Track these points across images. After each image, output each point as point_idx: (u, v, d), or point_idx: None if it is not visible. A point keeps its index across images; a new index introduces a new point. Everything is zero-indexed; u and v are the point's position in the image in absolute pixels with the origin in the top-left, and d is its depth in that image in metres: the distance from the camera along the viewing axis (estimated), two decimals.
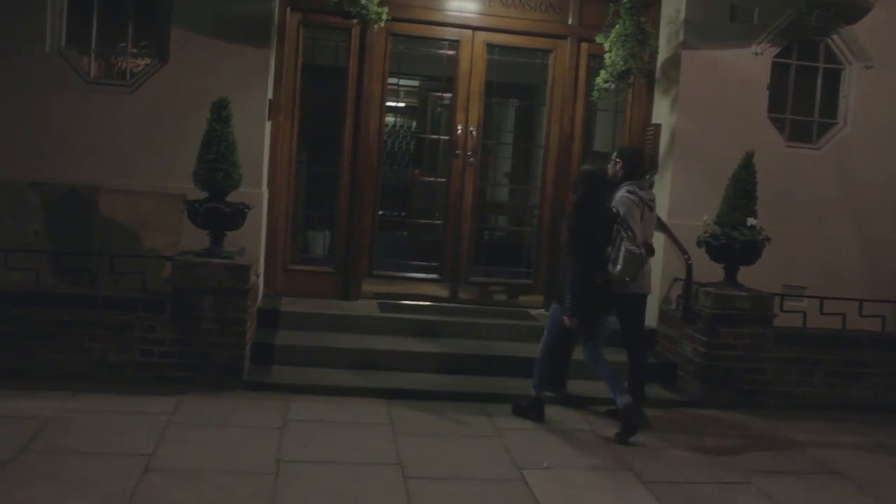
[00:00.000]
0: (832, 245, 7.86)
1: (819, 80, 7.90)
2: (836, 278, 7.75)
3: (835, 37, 7.78)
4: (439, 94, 10.49)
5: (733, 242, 6.73)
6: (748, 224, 6.71)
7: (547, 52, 7.97)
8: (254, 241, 7.04)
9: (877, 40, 7.78)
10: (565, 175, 7.83)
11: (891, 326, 7.48)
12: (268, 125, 7.21)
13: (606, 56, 7.24)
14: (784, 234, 7.25)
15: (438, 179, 8.51)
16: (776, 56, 7.71)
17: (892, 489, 5.32)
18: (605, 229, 5.78)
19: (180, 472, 4.62)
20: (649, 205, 6.08)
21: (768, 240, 6.78)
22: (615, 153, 6.28)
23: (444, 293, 7.92)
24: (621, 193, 5.96)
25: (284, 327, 6.98)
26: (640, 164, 6.26)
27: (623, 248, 5.69)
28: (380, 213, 8.14)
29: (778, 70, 7.76)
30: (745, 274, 6.93)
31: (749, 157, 6.77)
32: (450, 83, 8.03)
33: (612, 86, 7.36)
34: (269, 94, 7.20)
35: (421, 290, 7.97)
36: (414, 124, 12.12)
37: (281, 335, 6.83)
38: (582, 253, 5.72)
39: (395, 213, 9.43)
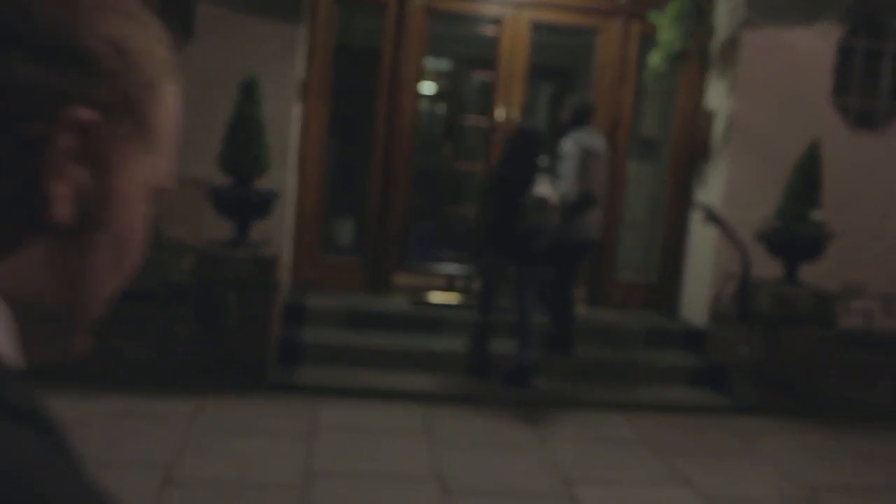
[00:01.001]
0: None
1: (887, 63, 7.36)
2: None
3: None
4: (479, 76, 10.05)
5: (795, 237, 6.25)
6: (812, 218, 6.23)
7: (595, 31, 7.48)
8: (280, 230, 6.64)
9: None
10: (612, 163, 7.34)
11: None
12: (297, 107, 6.79)
13: (661, 34, 6.74)
14: (846, 228, 6.76)
15: (476, 167, 8.06)
16: (843, 37, 7.17)
17: None
18: (525, 179, 5.84)
19: (203, 484, 4.24)
20: (595, 153, 6.19)
21: (832, 235, 6.30)
22: (568, 100, 6.47)
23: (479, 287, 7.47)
24: (565, 141, 6.17)
25: (312, 323, 6.57)
26: (588, 116, 6.37)
27: (545, 194, 5.83)
28: (414, 201, 7.73)
29: (843, 51, 7.23)
30: (804, 270, 6.46)
31: (814, 146, 6.28)
32: (490, 65, 7.57)
33: (666, 67, 6.87)
34: (301, 75, 6.78)
35: (456, 284, 7.53)
36: (452, 108, 11.64)
37: (308, 332, 6.42)
38: (491, 202, 5.98)
39: (431, 202, 9.01)
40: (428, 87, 12.10)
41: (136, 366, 5.65)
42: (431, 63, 11.25)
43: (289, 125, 6.66)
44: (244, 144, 5.56)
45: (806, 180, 6.26)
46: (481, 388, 6.03)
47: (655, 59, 6.78)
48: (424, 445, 5.04)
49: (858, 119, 7.33)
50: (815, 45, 7.02)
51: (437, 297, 7.28)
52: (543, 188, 5.86)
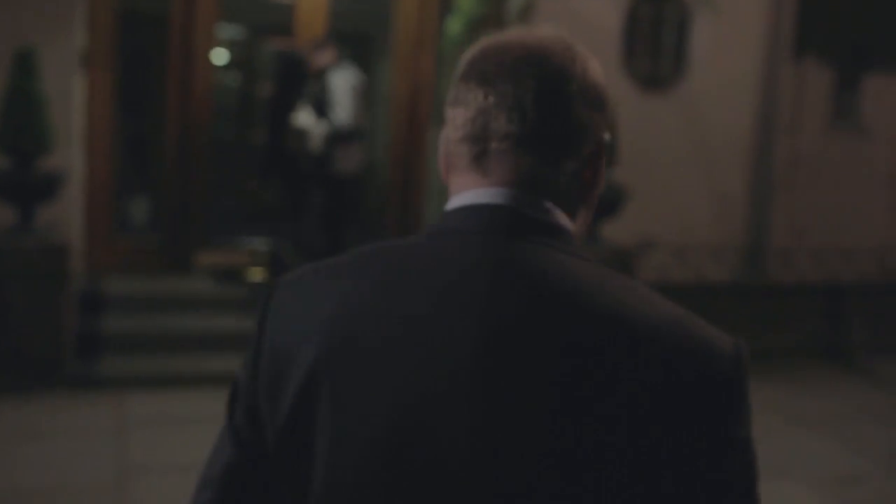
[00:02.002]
0: (684, 195, 7.79)
1: (671, 29, 7.76)
2: (688, 228, 7.71)
3: None
4: (277, 45, 9.71)
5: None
6: (609, 176, 6.48)
7: None
8: (70, 213, 6.15)
9: None
10: (413, 130, 7.33)
11: (741, 274, 7.54)
12: (80, 79, 6.28)
13: (459, 1, 6.75)
14: (640, 185, 7.09)
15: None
16: (630, 3, 7.48)
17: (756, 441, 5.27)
18: (285, 102, 6.32)
19: (5, 497, 3.86)
20: (362, 88, 6.43)
21: (629, 192, 6.59)
22: (324, 40, 6.48)
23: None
24: (342, 73, 6.31)
25: (112, 311, 6.14)
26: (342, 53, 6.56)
27: (304, 125, 6.21)
28: (212, 176, 7.38)
29: (632, 18, 7.54)
30: (605, 227, 6.74)
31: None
32: (287, 32, 7.32)
33: (466, 33, 6.88)
34: (82, 43, 6.26)
35: (262, 259, 7.29)
36: (247, 78, 11.19)
37: (108, 320, 6.00)
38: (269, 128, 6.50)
39: (228, 176, 8.65)
40: (230, 56, 11.61)
41: None
42: (233, 31, 10.77)
43: (71, 99, 6.15)
44: (22, 122, 5.07)
45: None
46: None
47: (453, 25, 6.79)
48: None
49: (647, 81, 7.70)
50: (605, 12, 7.28)
51: (244, 274, 7.02)
52: (304, 118, 6.19)
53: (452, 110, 1.05)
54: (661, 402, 0.89)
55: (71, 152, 6.15)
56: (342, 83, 6.31)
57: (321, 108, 6.36)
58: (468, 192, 1.02)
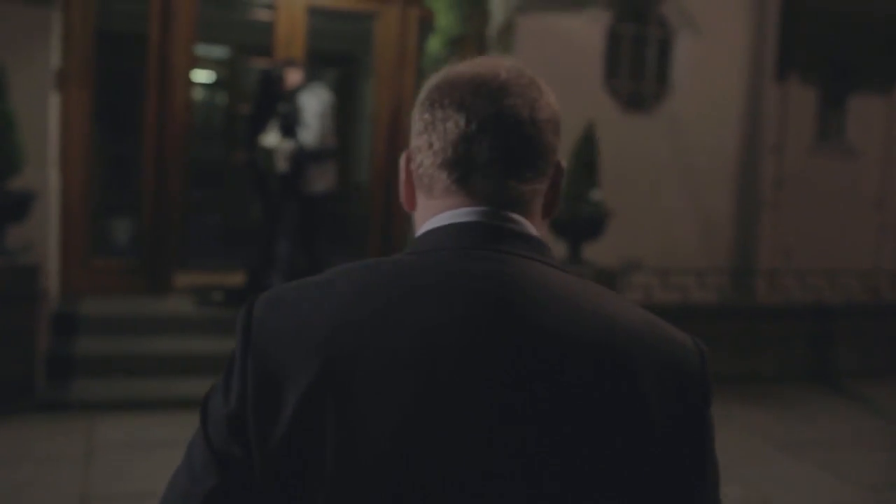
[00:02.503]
0: (668, 216, 7.74)
1: (653, 48, 7.73)
2: (673, 250, 7.65)
3: (666, 4, 7.60)
4: (256, 64, 9.66)
5: (576, 217, 6.42)
6: (592, 197, 6.43)
7: (373, 16, 7.35)
8: (44, 233, 6.05)
9: (705, 8, 7.67)
10: (394, 148, 7.26)
11: (728, 296, 7.46)
12: (55, 98, 6.20)
13: (440, 19, 6.70)
14: (623, 206, 7.04)
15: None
16: (612, 23, 7.45)
17: (741, 467, 5.18)
18: (257, 118, 6.41)
19: None
20: (329, 107, 6.44)
21: (611, 213, 6.54)
22: (292, 60, 6.53)
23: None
24: (311, 92, 6.32)
25: (86, 333, 6.03)
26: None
27: (271, 145, 6.29)
28: (194, 196, 7.31)
29: (613, 38, 7.51)
30: (587, 249, 6.67)
31: (590, 128, 6.48)
32: (267, 51, 7.27)
33: (445, 53, 6.84)
34: (56, 63, 6.18)
35: (241, 280, 7.18)
36: (231, 97, 11.14)
37: (81, 343, 5.89)
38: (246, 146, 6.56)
39: (209, 197, 8.58)
40: (205, 76, 11.56)
41: None
42: (209, 51, 10.74)
43: (46, 118, 6.06)
44: None
45: (583, 162, 6.44)
46: None
47: (434, 44, 6.74)
48: None
49: (629, 102, 7.66)
50: (586, 31, 7.24)
51: (223, 295, 6.91)
52: (270, 137, 6.30)
53: (426, 136, 1.09)
54: (656, 393, 1.00)
55: (46, 172, 6.06)
56: (311, 103, 6.30)
57: (290, 127, 6.34)
58: (451, 211, 1.07)
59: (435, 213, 1.08)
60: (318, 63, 7.04)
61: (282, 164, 6.30)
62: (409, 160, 1.12)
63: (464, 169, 1.07)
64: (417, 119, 1.11)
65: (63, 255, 6.50)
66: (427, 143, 1.09)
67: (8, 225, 5.27)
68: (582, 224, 6.46)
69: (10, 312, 5.12)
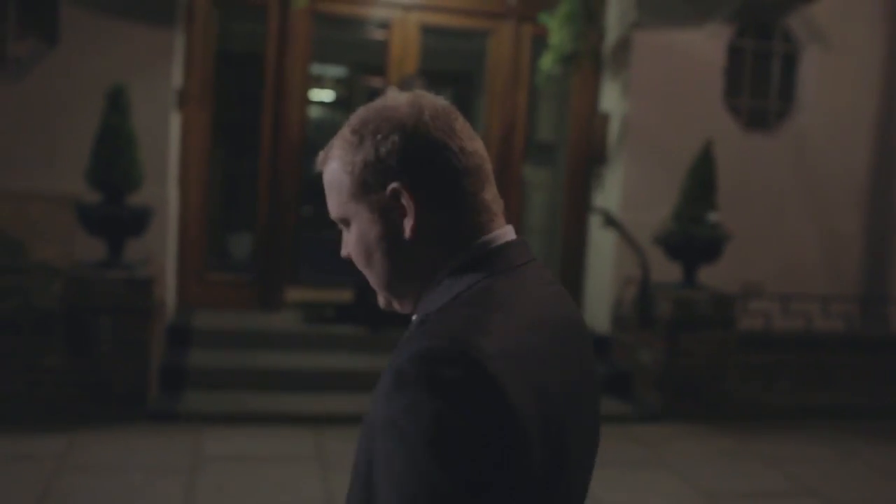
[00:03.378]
0: (791, 239, 7.37)
1: (777, 64, 7.40)
2: (796, 274, 7.28)
3: (792, 17, 7.27)
4: (369, 83, 9.78)
5: (693, 239, 6.19)
6: (709, 219, 6.18)
7: (486, 33, 7.30)
8: (162, 247, 6.24)
9: (835, 21, 7.30)
10: (507, 168, 7.18)
11: (856, 325, 7.03)
12: (176, 117, 6.40)
13: (552, 37, 6.60)
14: (742, 229, 6.75)
15: None
16: (732, 38, 7.17)
17: None
18: None
19: None
20: None
21: (730, 236, 6.26)
22: (412, 78, 6.38)
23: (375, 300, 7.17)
24: None
25: (198, 346, 6.18)
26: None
27: None
28: (308, 213, 7.41)
29: (734, 53, 7.23)
30: (702, 272, 6.42)
31: (708, 146, 6.24)
32: (380, 70, 7.32)
33: (558, 70, 6.73)
34: (178, 83, 6.38)
35: (351, 297, 7.23)
36: (342, 116, 11.32)
37: (194, 355, 6.03)
38: None
39: (322, 214, 8.72)
40: (324, 95, 11.80)
41: (2, 401, 5.18)
42: (325, 70, 10.96)
43: (167, 136, 6.26)
44: (112, 158, 5.16)
45: (701, 182, 6.20)
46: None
47: (547, 61, 6.63)
48: (316, 472, 4.74)
49: (750, 119, 7.35)
50: (705, 46, 6.99)
51: (334, 311, 6.96)
52: None
53: (468, 160, 1.19)
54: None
55: (166, 189, 6.25)
56: None
57: None
58: (502, 229, 1.22)
59: (491, 229, 1.21)
60: (432, 82, 7.03)
61: None
62: None
63: (494, 191, 1.27)
64: (450, 146, 1.18)
65: (180, 269, 6.69)
66: (475, 166, 1.24)
67: (127, 239, 5.44)
68: (698, 246, 6.22)
69: (127, 323, 5.27)
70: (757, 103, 7.38)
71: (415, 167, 1.15)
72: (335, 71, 10.24)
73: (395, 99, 1.20)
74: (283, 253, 6.96)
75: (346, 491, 1.19)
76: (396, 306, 1.26)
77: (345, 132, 1.19)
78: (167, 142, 6.25)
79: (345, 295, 7.01)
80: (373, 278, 1.22)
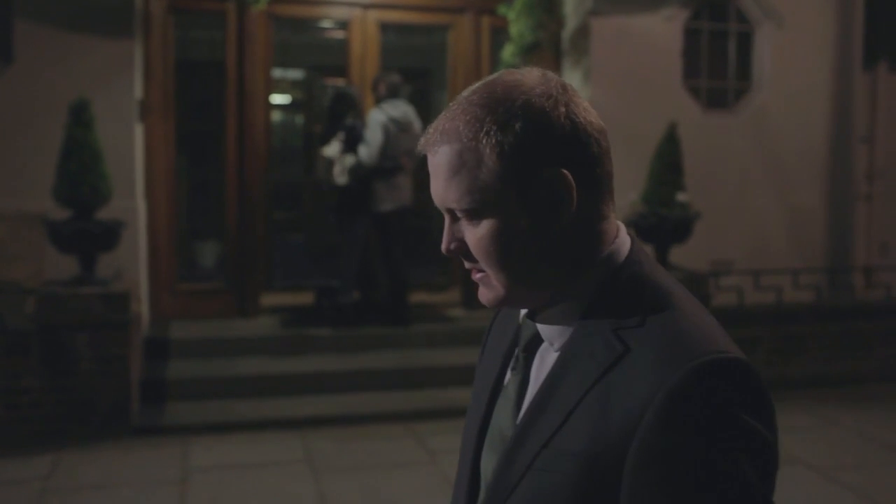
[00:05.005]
0: (757, 215, 7.49)
1: (733, 44, 7.50)
2: (764, 249, 7.40)
3: None
4: (331, 83, 9.74)
5: (664, 221, 6.26)
6: (678, 200, 6.26)
7: (445, 28, 7.32)
8: (133, 261, 6.17)
9: None
10: None
11: (825, 295, 7.16)
12: (139, 129, 6.33)
13: (512, 27, 6.63)
14: (709, 207, 6.84)
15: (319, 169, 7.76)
16: (688, 20, 7.26)
17: (853, 473, 4.94)
18: (326, 136, 6.51)
19: None
20: (403, 123, 6.33)
21: (699, 215, 6.35)
22: (380, 76, 6.55)
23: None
24: (373, 111, 6.38)
25: (177, 357, 6.13)
26: (399, 89, 6.49)
27: (331, 155, 6.36)
28: (278, 217, 7.37)
29: (691, 35, 7.32)
30: (674, 252, 6.50)
31: (672, 128, 6.31)
32: (342, 71, 7.30)
33: (519, 61, 6.77)
34: (139, 94, 6.32)
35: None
36: (308, 118, 11.24)
37: (173, 367, 5.99)
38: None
39: (292, 217, 8.66)
40: (283, 98, 11.71)
41: None
42: (285, 73, 10.88)
43: (132, 148, 6.19)
44: (78, 173, 5.10)
45: (668, 164, 6.28)
46: (359, 408, 5.75)
47: (508, 52, 6.67)
48: (307, 475, 4.73)
49: (710, 100, 7.45)
50: (662, 30, 7.08)
51: (310, 314, 6.95)
52: (331, 149, 6.34)
53: (605, 140, 1.12)
54: None
55: (135, 201, 6.19)
56: (373, 119, 6.27)
57: (353, 143, 6.33)
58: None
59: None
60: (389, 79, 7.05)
61: (339, 178, 6.30)
62: None
63: None
64: (597, 137, 1.10)
65: (152, 281, 6.63)
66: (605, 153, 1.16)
67: (99, 254, 5.38)
68: (669, 227, 6.29)
69: (104, 339, 5.22)
70: (716, 84, 7.48)
71: (570, 149, 1.06)
72: (297, 74, 10.17)
73: (523, 74, 1.08)
74: (255, 259, 6.92)
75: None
76: (514, 305, 1.14)
77: (473, 110, 1.05)
78: (133, 154, 6.19)
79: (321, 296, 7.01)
80: (504, 275, 1.08)
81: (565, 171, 1.05)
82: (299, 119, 11.64)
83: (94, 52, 6.05)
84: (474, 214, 1.07)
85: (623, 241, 1.13)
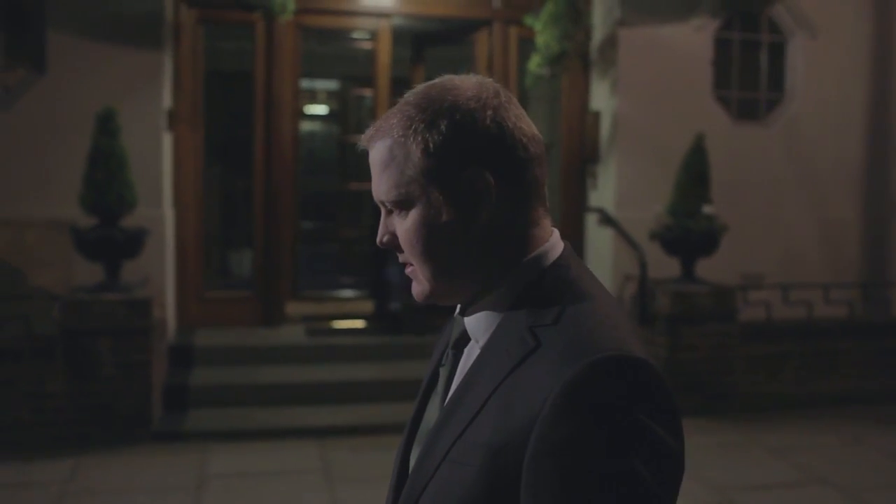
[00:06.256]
0: (788, 228, 7.36)
1: (765, 54, 7.40)
2: (795, 263, 7.27)
3: (778, 6, 7.27)
4: (360, 93, 9.80)
5: (689, 233, 6.18)
6: (704, 212, 6.18)
7: (472, 39, 7.32)
8: (160, 268, 6.25)
9: (820, 8, 7.30)
10: None
11: (858, 311, 7.01)
12: (168, 137, 6.42)
13: (538, 38, 6.61)
14: (738, 220, 6.75)
15: (365, 186, 7.80)
16: (719, 30, 7.18)
17: (879, 494, 4.82)
18: None
19: None
20: None
21: (726, 228, 6.26)
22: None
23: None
24: None
25: (200, 364, 6.19)
26: None
27: None
28: (307, 226, 7.43)
29: (721, 45, 7.23)
30: (701, 266, 6.41)
31: (700, 139, 6.24)
32: (369, 81, 7.34)
33: (546, 71, 6.74)
34: (168, 103, 6.41)
35: (353, 308, 7.25)
36: (342, 128, 11.33)
37: (196, 374, 6.04)
38: None
39: (321, 227, 8.73)
40: (317, 108, 11.83)
41: (5, 430, 5.19)
42: (319, 83, 10.98)
43: (160, 157, 6.28)
44: (104, 181, 5.18)
45: (694, 175, 6.21)
46: (377, 417, 5.75)
47: (535, 63, 6.65)
48: (322, 484, 4.74)
49: (740, 111, 7.35)
50: (692, 40, 7.00)
51: (336, 323, 6.98)
52: None
53: (536, 147, 1.14)
54: None
55: (162, 209, 6.27)
56: None
57: None
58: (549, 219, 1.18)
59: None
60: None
61: None
62: None
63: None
64: (523, 139, 1.14)
65: (179, 288, 6.70)
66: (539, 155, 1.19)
67: (123, 261, 5.45)
68: (695, 240, 6.21)
69: (127, 344, 5.28)
70: (746, 94, 7.38)
71: (493, 151, 1.09)
72: (327, 84, 10.26)
73: (461, 80, 1.13)
74: (282, 268, 6.97)
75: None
76: (439, 299, 1.16)
77: (406, 109, 1.11)
78: (160, 163, 6.27)
79: (346, 307, 7.03)
80: (427, 267, 1.13)
81: (486, 172, 1.09)
82: (335, 129, 11.74)
83: (124, 63, 6.15)
84: (401, 206, 1.12)
85: (553, 245, 1.15)
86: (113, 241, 5.28)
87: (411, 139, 1.10)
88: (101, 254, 5.35)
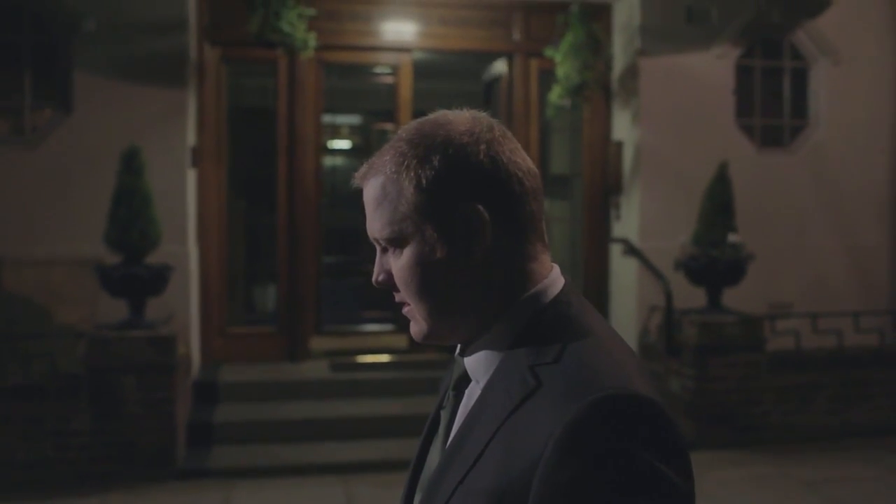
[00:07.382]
0: (815, 256, 7.27)
1: (788, 80, 7.36)
2: (823, 291, 7.16)
3: (799, 32, 7.24)
4: (382, 128, 9.86)
5: (715, 262, 6.12)
6: (729, 241, 6.11)
7: (493, 70, 7.34)
8: (184, 305, 6.27)
9: (843, 34, 7.26)
10: None
11: (889, 339, 6.88)
12: (191, 174, 6.47)
13: (559, 69, 6.62)
14: (764, 248, 6.67)
15: None
16: (740, 57, 7.15)
17: None
18: None
19: None
20: None
21: (752, 256, 6.19)
22: None
23: (403, 344, 7.16)
24: None
25: (225, 401, 6.18)
26: None
27: None
28: (331, 261, 7.43)
29: (743, 72, 7.21)
30: (727, 295, 6.33)
31: (723, 168, 6.20)
32: (391, 116, 7.37)
33: (568, 102, 6.74)
34: (192, 140, 6.47)
35: (377, 342, 7.22)
36: (359, 162, 11.40)
37: (221, 410, 6.03)
38: None
39: (345, 262, 8.74)
40: (340, 143, 11.91)
41: (30, 468, 5.19)
42: (342, 119, 11.07)
43: (184, 194, 6.33)
44: (128, 218, 5.22)
45: (718, 204, 6.16)
46: (403, 453, 5.69)
47: (555, 94, 6.65)
48: None
49: (764, 138, 7.31)
50: (713, 68, 6.98)
51: (361, 358, 6.96)
52: None
53: (532, 181, 1.13)
54: None
55: (186, 246, 6.31)
56: None
57: None
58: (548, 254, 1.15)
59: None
60: None
61: None
62: None
63: None
64: (517, 175, 1.12)
65: (203, 324, 6.71)
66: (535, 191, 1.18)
67: (147, 298, 5.47)
68: (720, 269, 6.15)
69: (151, 381, 5.29)
70: (770, 122, 7.33)
71: (487, 186, 1.07)
72: (349, 119, 10.33)
73: (454, 115, 1.12)
74: (305, 302, 6.97)
75: None
76: (438, 339, 1.13)
77: (399, 145, 1.10)
78: (185, 199, 6.32)
79: (369, 341, 7.01)
80: (424, 306, 1.10)
81: (480, 207, 1.07)
82: (358, 163, 11.80)
83: (149, 101, 6.22)
84: (396, 244, 1.10)
85: (553, 281, 1.12)
86: (138, 279, 5.31)
87: (404, 175, 1.08)
88: (126, 291, 5.38)
